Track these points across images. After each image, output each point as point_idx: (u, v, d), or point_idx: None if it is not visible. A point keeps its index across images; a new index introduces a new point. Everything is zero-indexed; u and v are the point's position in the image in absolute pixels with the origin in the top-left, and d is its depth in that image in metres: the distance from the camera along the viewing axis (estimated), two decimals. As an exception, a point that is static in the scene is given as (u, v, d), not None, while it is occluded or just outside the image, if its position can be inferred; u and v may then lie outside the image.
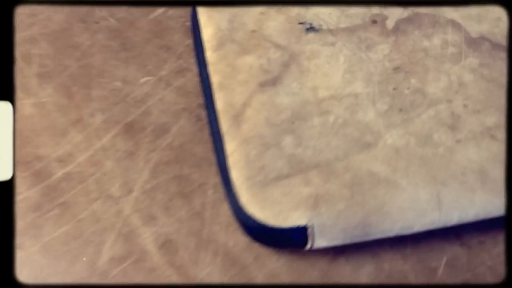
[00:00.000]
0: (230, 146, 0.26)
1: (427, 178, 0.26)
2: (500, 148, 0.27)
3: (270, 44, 0.30)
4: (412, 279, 0.27)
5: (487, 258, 0.27)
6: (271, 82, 0.29)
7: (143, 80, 0.32)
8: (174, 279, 0.26)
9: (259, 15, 0.31)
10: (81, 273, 0.26)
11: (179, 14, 0.34)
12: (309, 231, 0.24)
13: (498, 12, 0.32)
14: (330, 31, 0.31)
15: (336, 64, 0.29)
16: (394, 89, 0.29)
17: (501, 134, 0.27)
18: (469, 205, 0.25)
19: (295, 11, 0.31)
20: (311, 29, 0.31)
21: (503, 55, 0.30)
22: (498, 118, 0.28)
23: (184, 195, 0.28)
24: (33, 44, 0.33)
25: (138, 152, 0.29)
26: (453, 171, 0.26)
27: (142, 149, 0.29)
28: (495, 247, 0.28)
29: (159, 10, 0.36)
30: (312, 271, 0.26)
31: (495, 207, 0.25)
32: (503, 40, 0.31)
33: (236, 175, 0.26)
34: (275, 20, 0.31)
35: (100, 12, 0.36)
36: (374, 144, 0.27)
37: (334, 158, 0.26)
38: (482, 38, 0.31)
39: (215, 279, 0.26)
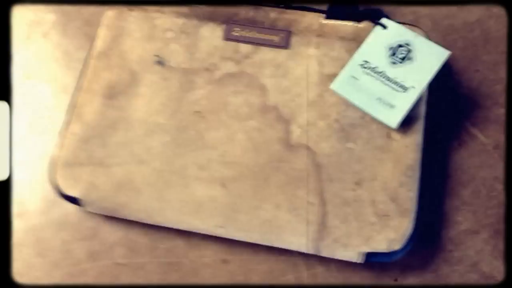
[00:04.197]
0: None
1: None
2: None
3: (127, 67, 0.41)
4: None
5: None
6: (110, 95, 0.41)
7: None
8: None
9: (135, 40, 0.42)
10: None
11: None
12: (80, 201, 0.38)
13: (301, 89, 0.39)
14: (171, 68, 0.41)
15: (159, 95, 0.40)
16: (185, 127, 0.39)
17: (230, 185, 0.37)
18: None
19: (159, 45, 0.42)
20: (159, 62, 0.41)
21: (281, 126, 0.38)
22: (233, 171, 0.37)
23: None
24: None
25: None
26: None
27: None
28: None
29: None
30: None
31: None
32: (286, 111, 0.39)
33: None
34: (140, 47, 0.42)
35: None
36: (146, 163, 0.38)
37: (116, 163, 0.39)
38: (275, 108, 0.39)
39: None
